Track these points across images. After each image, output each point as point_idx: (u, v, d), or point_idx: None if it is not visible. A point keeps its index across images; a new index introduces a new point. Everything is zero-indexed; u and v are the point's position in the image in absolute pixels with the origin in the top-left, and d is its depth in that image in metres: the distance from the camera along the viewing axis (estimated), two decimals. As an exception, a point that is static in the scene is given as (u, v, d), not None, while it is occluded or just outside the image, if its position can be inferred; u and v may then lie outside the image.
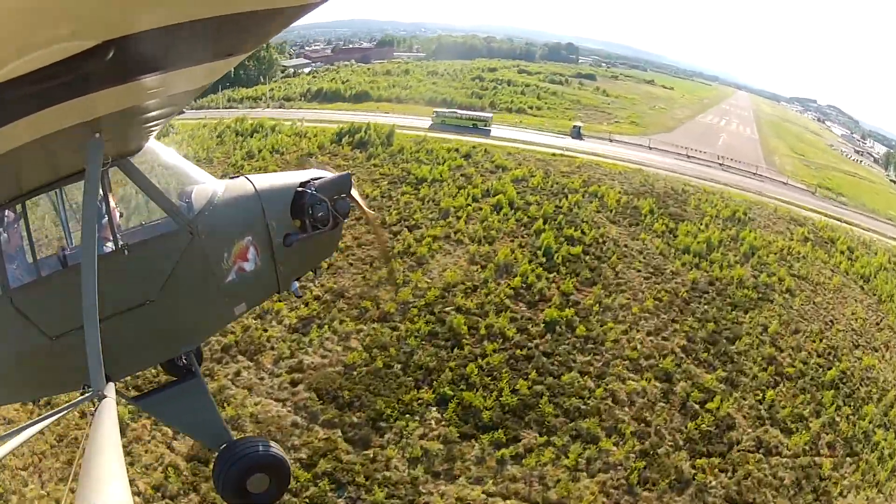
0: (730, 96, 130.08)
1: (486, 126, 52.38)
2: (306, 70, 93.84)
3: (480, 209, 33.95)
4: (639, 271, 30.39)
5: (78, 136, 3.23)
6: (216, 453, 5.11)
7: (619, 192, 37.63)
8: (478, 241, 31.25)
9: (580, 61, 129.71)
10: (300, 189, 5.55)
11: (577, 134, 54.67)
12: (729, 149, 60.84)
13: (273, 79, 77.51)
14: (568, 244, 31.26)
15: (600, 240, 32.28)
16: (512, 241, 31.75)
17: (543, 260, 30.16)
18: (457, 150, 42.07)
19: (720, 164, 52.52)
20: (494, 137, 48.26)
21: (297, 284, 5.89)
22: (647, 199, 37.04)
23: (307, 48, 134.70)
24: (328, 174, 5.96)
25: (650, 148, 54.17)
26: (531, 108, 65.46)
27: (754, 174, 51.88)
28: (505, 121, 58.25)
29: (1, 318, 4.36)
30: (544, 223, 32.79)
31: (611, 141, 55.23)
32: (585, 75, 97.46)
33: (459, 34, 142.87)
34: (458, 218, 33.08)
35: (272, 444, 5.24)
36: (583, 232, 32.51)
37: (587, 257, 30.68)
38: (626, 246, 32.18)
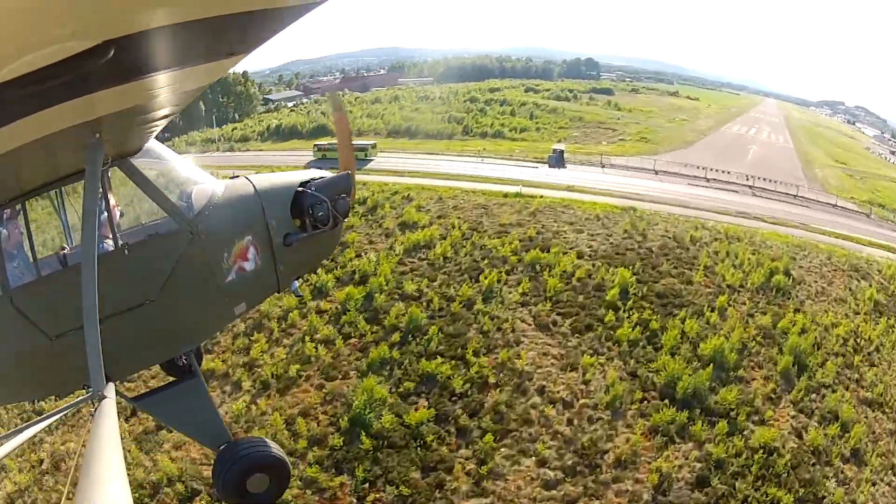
0: (758, 104, 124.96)
1: (366, 157, 46.30)
2: (290, 104, 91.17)
3: (314, 314, 20.81)
4: (532, 480, 14.54)
5: (78, 136, 3.23)
6: (216, 453, 5.12)
7: (580, 257, 23.91)
8: (254, 392, 17.90)
9: (602, 77, 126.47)
10: (300, 189, 5.58)
11: (557, 160, 45.32)
12: (761, 163, 51.41)
13: (249, 115, 76.13)
14: (406, 400, 16.60)
15: (490, 378, 17.39)
16: (310, 390, 17.76)
17: (325, 453, 15.58)
18: (362, 202, 29.75)
19: (750, 187, 41.04)
20: (437, 175, 37.84)
21: (297, 284, 5.91)
22: (623, 267, 22.51)
23: (317, 79, 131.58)
24: (328, 174, 6.00)
25: (656, 172, 44.01)
26: (514, 129, 59.64)
27: (796, 197, 40.33)
28: (466, 149, 50.37)
29: (1, 317, 4.36)
30: (396, 345, 18.67)
31: (603, 167, 45.45)
32: (601, 90, 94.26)
33: (478, 56, 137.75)
34: (267, 337, 19.93)
35: (272, 444, 5.24)
36: (461, 363, 17.82)
37: (417, 445, 15.40)
38: (542, 389, 17.08)
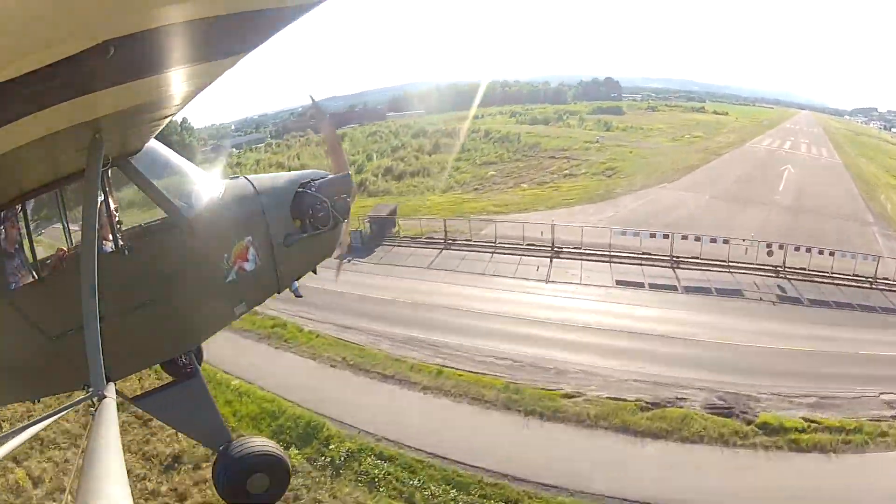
0: (793, 116, 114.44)
1: None
2: (237, 151, 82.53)
3: None
4: None
5: (78, 136, 3.23)
6: (216, 454, 5.11)
7: None
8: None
9: (625, 97, 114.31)
10: (300, 189, 5.59)
11: (363, 241, 26.99)
12: (802, 194, 33.46)
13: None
14: None
15: None
16: None
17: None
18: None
19: (776, 273, 20.74)
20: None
21: (297, 284, 5.91)
22: None
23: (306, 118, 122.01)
24: (328, 174, 6.01)
25: (555, 254, 23.24)
26: (399, 176, 46.60)
27: (872, 285, 19.62)
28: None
29: (1, 318, 4.36)
30: None
31: (447, 248, 26.05)
32: (609, 109, 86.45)
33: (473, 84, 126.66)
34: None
35: (273, 444, 5.23)
36: None
37: None
38: None
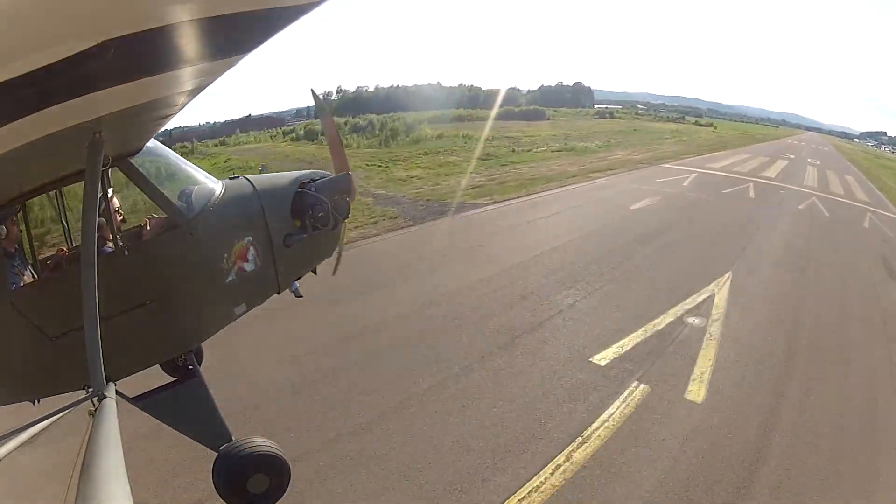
0: (798, 135, 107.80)
1: None
2: None
3: None
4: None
5: (78, 135, 3.23)
6: (216, 454, 5.10)
7: None
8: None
9: (597, 106, 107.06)
10: (300, 189, 5.59)
11: None
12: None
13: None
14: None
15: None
16: None
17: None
18: None
19: None
20: None
21: (297, 284, 5.91)
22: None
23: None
24: (328, 174, 6.02)
25: None
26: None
27: None
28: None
29: (0, 318, 4.35)
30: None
31: None
32: (522, 113, 73.72)
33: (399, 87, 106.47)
34: None
35: (272, 443, 5.22)
36: None
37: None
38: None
